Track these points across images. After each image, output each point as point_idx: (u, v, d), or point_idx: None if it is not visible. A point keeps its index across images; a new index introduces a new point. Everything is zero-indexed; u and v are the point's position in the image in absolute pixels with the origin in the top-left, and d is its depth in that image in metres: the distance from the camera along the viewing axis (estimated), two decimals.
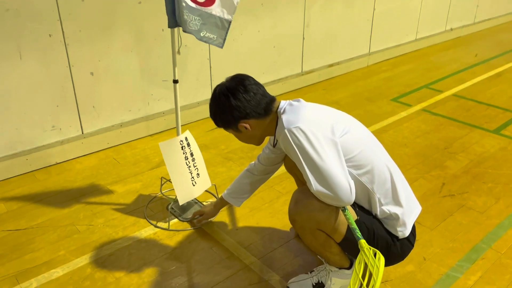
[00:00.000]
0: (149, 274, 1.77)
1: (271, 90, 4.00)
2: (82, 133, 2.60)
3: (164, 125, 2.93)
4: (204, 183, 2.15)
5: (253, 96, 1.49)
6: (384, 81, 3.93)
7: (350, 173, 1.43)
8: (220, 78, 3.17)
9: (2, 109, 2.28)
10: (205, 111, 3.17)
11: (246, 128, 1.51)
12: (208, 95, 3.12)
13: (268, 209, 2.17)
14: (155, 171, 2.48)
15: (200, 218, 2.04)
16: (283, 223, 2.07)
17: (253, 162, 1.92)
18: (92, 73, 2.53)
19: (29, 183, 2.35)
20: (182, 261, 1.84)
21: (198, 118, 3.12)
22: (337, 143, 1.41)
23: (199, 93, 3.06)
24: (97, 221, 2.07)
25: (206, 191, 2.22)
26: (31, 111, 2.38)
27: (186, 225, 2.05)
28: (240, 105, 1.47)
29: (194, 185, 2.07)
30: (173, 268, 1.80)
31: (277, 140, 1.63)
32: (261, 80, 3.59)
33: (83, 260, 1.83)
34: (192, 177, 2.06)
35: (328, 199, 1.37)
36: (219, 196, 2.16)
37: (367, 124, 3.10)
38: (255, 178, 1.89)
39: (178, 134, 2.05)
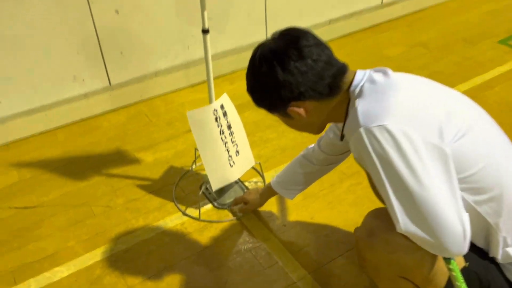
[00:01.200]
0: (168, 283, 1.41)
1: (341, 28, 3.28)
2: (110, 84, 2.20)
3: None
4: (245, 161, 1.69)
5: (313, 66, 0.94)
6: (488, 15, 3.08)
7: (464, 200, 0.90)
8: (277, 14, 2.55)
9: (13, 57, 1.91)
10: None
11: (299, 113, 0.99)
12: (261, 36, 2.56)
13: (327, 197, 1.69)
14: (192, 135, 2.05)
15: (242, 207, 1.62)
16: (345, 219, 1.59)
17: (311, 145, 1.42)
18: (117, 11, 2.05)
19: (48, 144, 2.03)
20: (212, 267, 1.45)
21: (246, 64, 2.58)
22: (447, 155, 0.86)
23: (249, 33, 2.51)
24: (116, 202, 1.71)
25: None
26: (47, 59, 1.99)
27: (222, 214, 1.64)
28: (291, 80, 0.94)
29: (232, 166, 1.62)
30: (198, 277, 1.42)
31: (344, 136, 1.11)
32: (328, 15, 2.94)
33: (94, 256, 1.50)
34: (230, 156, 1.61)
35: (426, 245, 0.86)
36: (266, 179, 1.71)
37: (464, 77, 2.41)
38: (313, 169, 1.40)
39: (211, 101, 1.57)
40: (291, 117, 1.01)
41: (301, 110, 0.98)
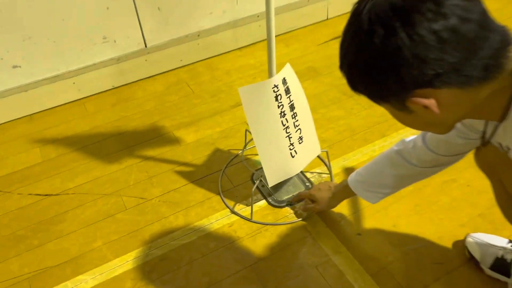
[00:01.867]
0: None
1: None
2: (145, 46, 1.88)
3: (260, 34, 2.08)
4: (309, 150, 1.34)
5: (460, 31, 0.57)
6: None
7: None
8: None
9: (33, 12, 1.61)
10: (314, 13, 2.21)
11: (427, 107, 0.62)
12: None
13: (413, 197, 1.33)
14: (241, 110, 1.72)
15: (307, 205, 1.30)
16: (438, 229, 1.23)
17: (409, 138, 1.05)
18: None
19: (76, 117, 1.76)
20: (269, 286, 1.15)
21: (305, 23, 2.18)
22: None
23: None
24: (152, 192, 1.43)
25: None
26: (73, 16, 1.67)
27: (278, 214, 1.32)
28: (424, 55, 0.57)
29: (293, 156, 1.28)
30: None
31: (493, 142, 0.73)
32: None
33: (124, 262, 1.23)
34: (291, 144, 1.27)
35: None
36: (332, 169, 1.35)
37: None
38: (410, 170, 1.03)
39: (270, 72, 1.21)
40: (409, 111, 0.65)
41: (430, 103, 0.61)
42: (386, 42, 0.58)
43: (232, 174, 1.46)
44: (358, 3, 0.64)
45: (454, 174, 1.37)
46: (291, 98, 1.22)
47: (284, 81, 1.20)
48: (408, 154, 1.01)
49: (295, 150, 1.28)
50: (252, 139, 1.39)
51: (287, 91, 1.21)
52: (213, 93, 1.82)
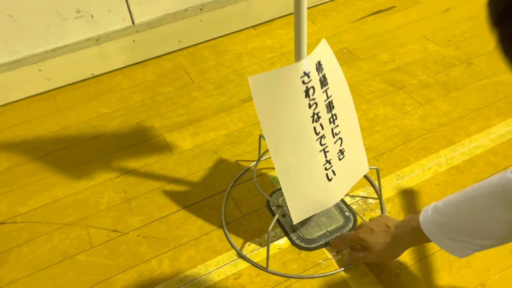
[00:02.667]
0: None
1: None
2: (133, 23, 1.47)
3: (279, 8, 1.64)
4: (354, 168, 0.92)
5: None
6: None
7: None
8: None
9: None
10: None
11: None
12: None
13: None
14: (252, 106, 1.31)
15: (355, 254, 0.88)
16: None
17: None
18: None
19: (41, 114, 1.37)
20: None
21: None
22: None
23: None
24: (129, 222, 1.03)
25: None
26: None
27: (307, 258, 0.91)
28: None
29: (330, 179, 0.87)
30: None
31: None
32: None
33: None
34: (327, 161, 0.85)
35: None
36: (383, 193, 0.89)
37: None
38: None
39: (298, 57, 0.78)
40: None
41: None
42: None
43: (241, 196, 1.05)
44: None
45: None
46: (329, 92, 0.80)
47: (319, 67, 0.77)
48: None
49: (332, 170, 0.86)
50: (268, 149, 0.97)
51: (323, 81, 0.79)
52: (219, 83, 1.41)
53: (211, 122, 1.27)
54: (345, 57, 1.45)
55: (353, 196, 1.03)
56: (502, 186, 0.62)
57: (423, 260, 0.88)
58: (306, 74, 0.75)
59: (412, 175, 1.06)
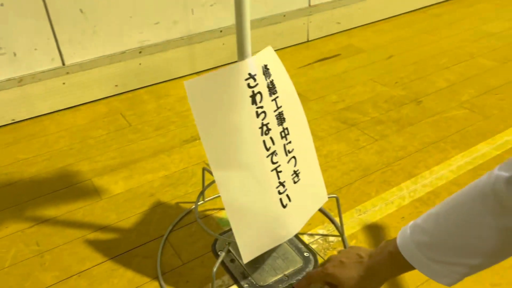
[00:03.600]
0: None
1: None
2: (63, 64, 1.34)
3: (224, 55, 1.60)
4: (311, 194, 0.80)
5: None
6: None
7: None
8: None
9: None
10: (293, 32, 1.75)
11: None
12: (301, 1, 1.71)
13: (495, 272, 0.79)
14: (198, 146, 1.18)
15: None
16: None
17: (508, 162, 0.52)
18: None
19: None
20: None
21: (282, 45, 1.74)
22: None
23: None
24: (40, 280, 0.82)
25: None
26: None
27: None
28: None
29: (285, 205, 0.74)
30: None
31: None
32: None
33: None
34: (281, 184, 0.73)
35: None
36: (345, 229, 0.74)
37: None
38: None
39: (242, 56, 0.69)
40: None
41: None
42: None
43: (182, 242, 0.89)
44: None
45: None
46: (279, 102, 0.70)
47: (266, 71, 0.68)
48: None
49: (287, 195, 0.73)
50: (213, 182, 0.84)
51: (272, 88, 0.69)
52: (158, 125, 1.28)
53: (148, 164, 1.12)
54: (311, 95, 1.39)
55: (311, 235, 0.89)
56: (491, 185, 0.52)
57: None
58: (252, 76, 0.65)
59: (375, 209, 0.95)
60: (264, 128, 0.68)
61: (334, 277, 0.68)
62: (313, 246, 0.86)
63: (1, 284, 0.81)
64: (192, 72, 1.57)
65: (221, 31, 1.56)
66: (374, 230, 0.90)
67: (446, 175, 1.04)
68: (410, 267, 0.60)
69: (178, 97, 1.43)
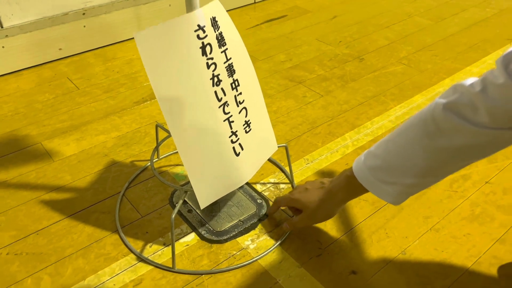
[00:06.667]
0: None
1: None
2: (1, 26, 1.28)
3: (171, 17, 1.58)
4: (262, 142, 0.85)
5: None
6: None
7: None
8: None
9: None
10: None
11: None
12: None
13: (426, 206, 0.88)
14: (150, 107, 1.19)
15: (290, 220, 0.80)
16: (479, 251, 0.79)
17: (467, 80, 0.57)
18: None
19: None
20: None
21: (227, 6, 1.74)
22: None
23: None
24: (1, 240, 0.83)
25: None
26: None
27: (220, 252, 0.79)
28: None
29: (237, 153, 0.78)
30: None
31: None
32: None
33: None
34: (233, 133, 0.76)
35: None
36: (295, 177, 0.83)
37: None
38: (474, 138, 0.55)
39: (190, 6, 0.71)
40: None
41: None
42: None
43: (139, 197, 0.91)
44: None
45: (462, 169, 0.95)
46: (228, 54, 0.73)
47: (215, 23, 0.70)
48: (469, 107, 0.54)
49: (239, 144, 0.77)
50: (168, 136, 0.86)
51: (221, 40, 0.72)
52: (108, 87, 1.27)
53: (100, 125, 1.12)
54: (260, 55, 1.41)
55: (263, 183, 0.95)
56: (431, 111, 0.58)
57: (343, 237, 0.82)
58: (201, 28, 0.67)
59: (321, 158, 1.01)
60: (215, 79, 0.71)
61: (298, 201, 0.74)
62: (265, 194, 0.92)
63: None
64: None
65: None
66: (321, 176, 0.97)
67: (385, 125, 1.12)
68: (363, 189, 0.67)
69: (126, 60, 1.41)
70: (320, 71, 1.35)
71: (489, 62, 1.39)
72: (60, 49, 1.39)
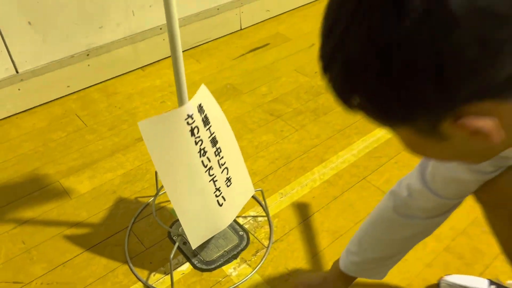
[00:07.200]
0: None
1: None
2: (17, 72, 1.46)
3: (165, 49, 1.76)
4: (241, 193, 1.06)
5: None
6: None
7: None
8: None
9: None
10: (227, 23, 1.95)
11: (480, 132, 0.35)
12: None
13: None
14: None
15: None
16: (411, 274, 1.01)
17: (399, 184, 0.78)
18: None
19: None
20: None
21: (217, 35, 1.91)
22: None
23: None
24: (31, 271, 1.04)
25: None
26: None
27: (209, 278, 1.01)
28: (493, 39, 0.31)
29: (221, 204, 0.99)
30: None
31: None
32: None
33: None
34: (217, 189, 0.97)
35: None
36: (270, 210, 1.01)
37: None
38: (419, 227, 0.77)
39: (180, 100, 0.90)
40: (443, 137, 0.38)
41: (489, 126, 0.35)
42: (428, 21, 0.31)
43: (143, 231, 1.12)
44: None
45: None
46: (212, 129, 0.93)
47: (201, 109, 0.90)
48: (408, 208, 0.75)
49: (222, 196, 0.98)
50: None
51: (206, 121, 0.91)
52: (111, 125, 1.47)
53: (107, 163, 1.32)
54: (229, 92, 1.60)
55: (245, 217, 1.16)
56: (386, 212, 0.78)
57: (306, 264, 1.04)
58: (190, 116, 0.87)
59: (293, 192, 1.22)
60: (202, 151, 0.91)
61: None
62: (246, 226, 1.13)
63: (0, 277, 1.02)
64: (137, 67, 1.73)
65: (160, 29, 1.71)
66: (291, 209, 1.18)
67: (348, 159, 1.32)
68: (353, 277, 0.86)
69: (126, 94, 1.60)
70: (296, 104, 1.54)
71: None
72: (68, 86, 1.58)
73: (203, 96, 0.92)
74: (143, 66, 1.74)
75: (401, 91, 0.35)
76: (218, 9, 1.85)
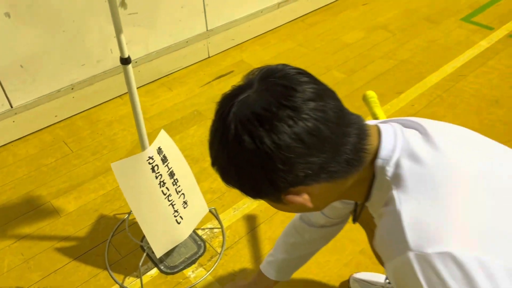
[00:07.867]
0: None
1: (292, 11, 2.79)
2: (11, 107, 1.71)
3: (141, 79, 2.01)
4: (196, 212, 1.32)
5: (320, 130, 0.58)
6: None
7: None
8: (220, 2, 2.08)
9: None
10: (196, 52, 2.21)
11: (300, 202, 0.63)
12: (200, 28, 2.13)
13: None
14: None
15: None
16: (331, 272, 1.28)
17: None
18: (7, 14, 1.55)
19: None
20: None
21: (187, 63, 2.17)
22: None
23: (186, 27, 2.07)
24: (30, 278, 1.29)
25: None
26: None
27: (173, 280, 1.28)
28: (292, 160, 0.58)
29: (179, 222, 1.25)
30: None
31: (360, 216, 0.78)
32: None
33: None
34: (175, 211, 1.23)
35: None
36: (224, 222, 1.31)
37: (433, 65, 2.15)
38: (317, 233, 1.05)
39: (143, 148, 1.16)
40: (285, 203, 0.65)
41: (304, 199, 0.63)
42: (255, 151, 0.57)
43: (120, 243, 1.39)
44: (221, 105, 0.63)
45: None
46: (170, 165, 1.19)
47: (160, 151, 1.16)
48: (309, 218, 1.03)
49: (180, 216, 1.25)
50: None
51: (164, 159, 1.18)
52: (94, 150, 1.72)
53: (91, 185, 1.57)
54: (196, 118, 1.86)
55: (203, 229, 1.42)
56: (299, 214, 1.05)
57: (251, 265, 1.31)
58: (150, 157, 1.13)
59: (244, 207, 1.49)
60: (161, 183, 1.17)
61: None
62: (204, 237, 1.40)
63: (3, 284, 1.27)
64: (117, 95, 1.98)
65: (136, 62, 1.96)
66: (243, 221, 1.45)
67: None
68: (270, 280, 1.12)
69: (106, 122, 1.85)
70: None
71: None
72: (55, 116, 1.83)
73: (162, 139, 1.18)
74: (121, 95, 1.99)
75: (248, 186, 0.62)
76: (187, 41, 2.10)
